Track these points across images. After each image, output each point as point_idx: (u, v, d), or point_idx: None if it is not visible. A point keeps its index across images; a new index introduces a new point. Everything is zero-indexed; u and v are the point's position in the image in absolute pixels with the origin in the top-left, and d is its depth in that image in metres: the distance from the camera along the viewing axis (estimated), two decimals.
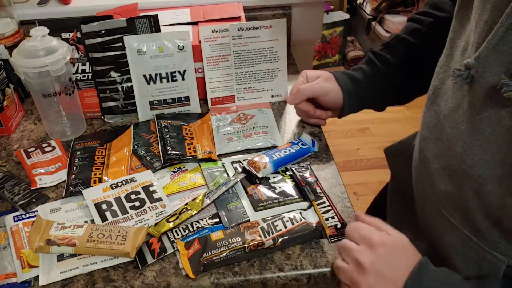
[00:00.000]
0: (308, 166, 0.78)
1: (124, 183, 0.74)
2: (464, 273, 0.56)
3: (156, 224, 0.67)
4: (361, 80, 0.79)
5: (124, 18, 0.86)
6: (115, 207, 0.70)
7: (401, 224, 0.73)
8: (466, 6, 0.54)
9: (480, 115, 0.48)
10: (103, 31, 0.85)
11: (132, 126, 0.88)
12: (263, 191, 0.72)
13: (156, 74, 0.88)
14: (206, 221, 0.68)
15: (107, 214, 0.69)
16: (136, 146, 0.83)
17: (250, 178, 0.74)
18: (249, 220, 0.67)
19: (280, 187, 0.73)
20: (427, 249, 0.65)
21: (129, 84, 0.89)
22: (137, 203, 0.71)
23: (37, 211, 0.70)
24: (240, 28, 0.89)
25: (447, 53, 0.57)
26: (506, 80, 0.44)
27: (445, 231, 0.58)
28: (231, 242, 0.62)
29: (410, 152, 0.68)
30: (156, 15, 0.87)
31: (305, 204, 0.70)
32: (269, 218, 0.66)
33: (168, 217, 0.67)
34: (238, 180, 0.73)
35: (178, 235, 0.66)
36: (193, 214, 0.67)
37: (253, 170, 0.74)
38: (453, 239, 0.57)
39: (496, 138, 0.47)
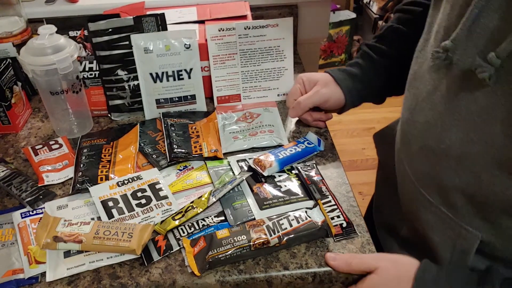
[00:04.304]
0: (314, 165, 0.78)
1: (131, 181, 0.74)
2: (440, 250, 0.59)
3: (162, 221, 0.68)
4: (359, 75, 0.79)
5: (131, 17, 0.86)
6: (121, 204, 0.71)
7: (385, 204, 0.78)
8: None
9: (457, 96, 0.50)
10: (110, 30, 0.85)
11: (138, 124, 0.89)
12: (269, 189, 0.72)
13: (162, 73, 0.88)
14: (212, 219, 0.68)
15: (114, 211, 0.69)
16: (142, 144, 0.83)
17: (256, 176, 0.74)
18: (254, 219, 0.67)
19: (285, 186, 0.73)
20: (409, 232, 0.69)
21: (135, 82, 0.90)
22: (143, 201, 0.71)
23: (44, 207, 0.71)
24: (247, 26, 0.89)
25: (425, 37, 0.59)
26: (480, 61, 0.45)
27: (423, 210, 0.60)
28: (236, 240, 0.62)
29: (395, 137, 0.70)
30: (163, 13, 0.88)
31: (310, 203, 0.70)
32: (275, 216, 0.66)
33: (174, 214, 0.68)
34: (244, 178, 0.73)
35: (183, 232, 0.66)
36: (198, 212, 0.67)
37: (259, 168, 0.74)
38: (431, 217, 0.59)
39: (471, 117, 0.49)
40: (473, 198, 0.53)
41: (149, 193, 0.72)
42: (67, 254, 0.64)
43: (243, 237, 0.62)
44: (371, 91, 0.81)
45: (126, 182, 0.74)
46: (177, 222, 0.66)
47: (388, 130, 0.81)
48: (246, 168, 0.77)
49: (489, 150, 0.48)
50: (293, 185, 0.73)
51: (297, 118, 0.89)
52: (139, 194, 0.72)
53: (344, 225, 0.67)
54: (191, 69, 0.89)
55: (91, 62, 0.90)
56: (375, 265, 0.58)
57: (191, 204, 0.69)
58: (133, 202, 0.71)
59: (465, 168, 0.52)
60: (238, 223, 0.67)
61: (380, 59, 0.79)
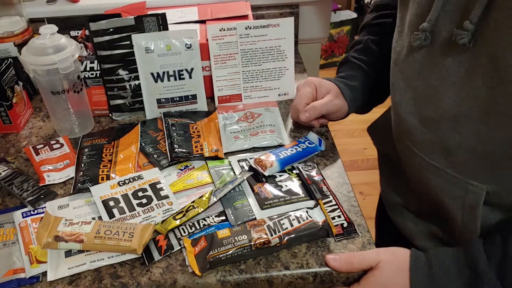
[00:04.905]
0: (315, 165, 0.78)
1: (132, 180, 0.75)
2: (452, 210, 0.63)
3: (163, 221, 0.68)
4: (358, 88, 0.82)
5: (132, 16, 0.86)
6: (122, 204, 0.71)
7: (393, 188, 0.82)
8: None
9: (444, 66, 0.57)
10: (111, 29, 0.85)
11: (139, 124, 0.89)
12: (270, 189, 0.72)
13: (163, 72, 0.88)
14: (213, 218, 0.68)
15: (115, 211, 0.70)
16: (143, 144, 0.83)
17: (257, 176, 0.74)
18: (255, 218, 0.67)
19: (286, 186, 0.73)
20: (421, 205, 0.73)
21: (136, 82, 0.90)
22: (144, 200, 0.71)
23: (45, 207, 0.71)
24: (248, 26, 0.89)
25: (399, 30, 0.66)
26: (457, 31, 0.53)
27: (431, 176, 0.64)
28: (237, 240, 0.62)
29: (389, 123, 0.74)
30: (164, 13, 0.88)
31: (311, 202, 0.70)
32: (276, 216, 0.66)
33: (174, 214, 0.68)
34: (245, 178, 0.73)
35: (184, 232, 0.66)
36: (199, 211, 0.67)
37: (260, 168, 0.74)
38: (438, 182, 0.64)
39: (459, 79, 0.56)
40: (474, 151, 0.57)
41: (150, 192, 0.73)
42: (68, 253, 0.64)
43: (244, 237, 0.62)
44: (365, 103, 0.85)
45: (127, 181, 0.74)
46: (178, 222, 0.66)
47: (381, 121, 0.86)
48: (247, 168, 0.77)
49: (478, 103, 0.54)
50: (294, 185, 0.73)
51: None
52: (140, 193, 0.72)
53: (345, 225, 0.67)
54: (192, 69, 0.89)
55: (92, 62, 0.90)
56: (376, 260, 0.60)
57: (192, 204, 0.69)
58: (134, 202, 0.71)
59: (463, 124, 0.57)
60: (239, 223, 0.67)
61: (370, 71, 0.82)
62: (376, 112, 0.89)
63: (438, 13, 0.55)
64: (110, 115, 0.93)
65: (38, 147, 0.83)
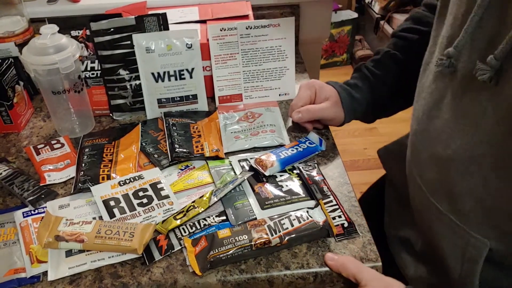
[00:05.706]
0: (315, 165, 0.78)
1: (132, 180, 0.75)
2: (450, 261, 0.58)
3: (163, 221, 0.68)
4: (360, 100, 0.81)
5: (133, 16, 0.86)
6: (123, 204, 0.71)
7: (397, 220, 0.78)
8: (445, 4, 0.58)
9: (462, 101, 0.52)
10: (112, 29, 0.85)
11: (140, 123, 0.89)
12: (270, 189, 0.72)
13: (164, 72, 0.88)
14: (213, 218, 0.68)
15: (115, 210, 0.70)
16: (144, 144, 0.83)
17: (257, 176, 0.74)
18: (256, 218, 0.67)
19: (287, 186, 0.73)
20: (424, 246, 0.68)
21: (137, 82, 0.90)
22: (144, 200, 0.71)
23: (46, 207, 0.71)
24: (248, 26, 0.89)
25: (430, 50, 0.61)
26: (480, 65, 0.47)
27: (434, 219, 0.60)
28: (237, 240, 0.62)
29: (404, 151, 0.70)
30: (165, 13, 0.88)
31: (312, 202, 0.70)
32: (276, 216, 0.66)
33: (175, 214, 0.68)
34: (245, 178, 0.73)
35: (185, 232, 0.66)
36: (200, 211, 0.67)
37: (260, 168, 0.74)
38: (440, 226, 0.59)
39: (476, 120, 0.50)
40: (481, 202, 0.53)
41: (150, 192, 0.73)
42: (69, 253, 0.64)
43: (245, 237, 0.62)
44: (365, 114, 0.84)
45: (127, 181, 0.74)
46: (178, 222, 0.66)
47: (395, 146, 0.83)
48: (247, 168, 0.77)
49: (494, 151, 0.49)
50: (295, 185, 0.73)
51: None
52: (141, 193, 0.72)
53: (346, 225, 0.67)
54: (192, 69, 0.89)
55: (93, 62, 0.90)
56: (365, 283, 0.58)
57: (192, 204, 0.69)
58: (135, 202, 0.71)
59: (473, 171, 0.52)
60: (240, 222, 0.67)
61: (378, 87, 0.81)
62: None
63: (466, 40, 0.50)
64: (111, 115, 0.93)
65: (38, 146, 0.83)
